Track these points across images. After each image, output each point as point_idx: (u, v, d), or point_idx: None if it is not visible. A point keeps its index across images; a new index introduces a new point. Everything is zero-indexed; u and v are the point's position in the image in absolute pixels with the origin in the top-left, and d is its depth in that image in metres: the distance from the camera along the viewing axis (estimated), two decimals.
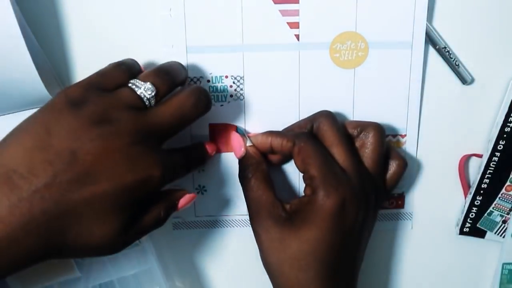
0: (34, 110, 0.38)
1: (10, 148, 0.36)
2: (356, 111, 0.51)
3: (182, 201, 0.43)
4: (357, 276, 0.48)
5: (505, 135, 0.50)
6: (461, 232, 0.55)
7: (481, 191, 0.53)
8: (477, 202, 0.53)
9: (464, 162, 0.53)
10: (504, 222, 0.54)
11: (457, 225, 0.55)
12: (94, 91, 0.39)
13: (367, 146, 0.47)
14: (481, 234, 0.55)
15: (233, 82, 0.49)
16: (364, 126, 0.48)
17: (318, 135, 0.47)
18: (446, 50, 0.49)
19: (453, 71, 0.50)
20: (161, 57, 0.48)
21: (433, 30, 0.49)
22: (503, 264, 0.55)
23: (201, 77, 0.49)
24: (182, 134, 0.50)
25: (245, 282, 0.56)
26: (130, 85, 0.40)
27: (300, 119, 0.50)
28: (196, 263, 0.55)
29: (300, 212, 0.44)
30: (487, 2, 0.49)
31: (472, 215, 0.54)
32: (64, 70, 0.48)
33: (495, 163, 0.51)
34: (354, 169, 0.45)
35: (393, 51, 0.49)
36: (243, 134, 0.48)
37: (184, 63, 0.48)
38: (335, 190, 0.43)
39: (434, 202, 0.55)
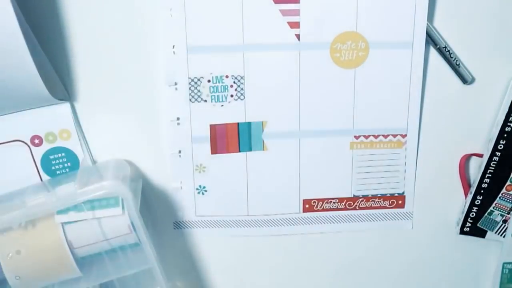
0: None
1: None
2: (357, 111, 0.51)
3: None
4: None
5: (505, 135, 0.50)
6: (462, 232, 0.55)
7: (482, 191, 0.53)
8: (478, 202, 0.53)
9: (465, 162, 0.53)
10: (505, 221, 0.54)
11: (458, 224, 0.55)
12: None
13: None
14: (481, 233, 0.55)
15: (234, 82, 0.49)
16: None
17: None
18: (446, 50, 0.49)
19: (454, 71, 0.50)
20: (162, 57, 0.48)
21: (434, 30, 0.49)
22: (504, 263, 0.55)
23: (201, 77, 0.49)
24: (182, 135, 0.50)
25: (245, 281, 0.56)
26: None
27: (301, 118, 0.50)
28: (196, 263, 0.55)
29: None
30: (488, 2, 0.49)
31: (472, 214, 0.54)
32: (64, 70, 0.48)
33: (495, 162, 0.51)
34: None
35: (393, 51, 0.49)
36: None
37: (184, 63, 0.48)
38: None
39: (434, 201, 0.55)
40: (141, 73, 0.48)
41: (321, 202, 0.54)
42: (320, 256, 0.56)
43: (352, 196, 0.54)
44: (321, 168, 0.53)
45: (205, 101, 0.49)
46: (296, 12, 0.48)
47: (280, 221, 0.54)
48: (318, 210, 0.54)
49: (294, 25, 0.48)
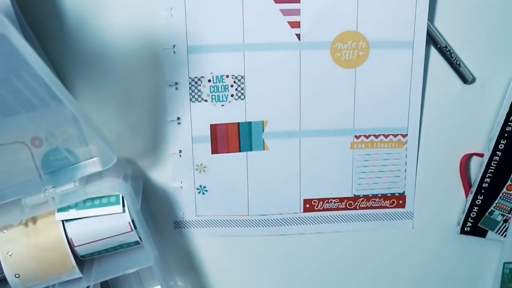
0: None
1: None
2: (357, 110, 0.51)
3: None
4: None
5: (506, 134, 0.50)
6: (462, 232, 0.55)
7: (482, 191, 0.53)
8: (478, 202, 0.53)
9: (465, 161, 0.53)
10: (505, 221, 0.54)
11: (458, 224, 0.55)
12: None
13: None
14: (482, 233, 0.55)
15: (234, 82, 0.49)
16: None
17: None
18: (447, 50, 0.49)
19: (454, 71, 0.50)
20: (162, 57, 0.48)
21: (434, 29, 0.49)
22: (504, 263, 0.55)
23: (202, 77, 0.49)
24: (183, 135, 0.50)
25: (245, 281, 0.56)
26: None
27: (301, 118, 0.50)
28: (196, 263, 0.55)
29: None
30: (488, 2, 0.49)
31: (473, 214, 0.54)
32: (64, 70, 0.48)
33: (496, 162, 0.51)
34: None
35: (394, 50, 0.49)
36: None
37: (185, 63, 0.48)
38: None
39: (435, 201, 0.55)
40: (141, 72, 0.48)
41: (321, 202, 0.54)
42: (321, 255, 0.56)
43: (353, 196, 0.54)
44: (321, 167, 0.53)
45: (206, 100, 0.50)
46: (297, 12, 0.48)
47: (281, 221, 0.54)
48: (318, 210, 0.54)
49: (295, 24, 0.48)
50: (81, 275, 0.46)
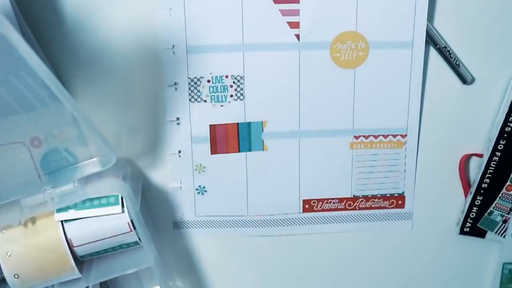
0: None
1: None
2: (356, 111, 0.51)
3: None
4: None
5: (505, 135, 0.50)
6: (462, 232, 0.55)
7: (482, 191, 0.53)
8: (478, 202, 0.53)
9: (465, 162, 0.53)
10: (505, 221, 0.54)
11: (458, 224, 0.55)
12: None
13: None
14: (481, 233, 0.55)
15: (233, 82, 0.49)
16: None
17: None
18: (446, 50, 0.49)
19: (454, 71, 0.50)
20: (162, 57, 0.48)
21: (434, 30, 0.49)
22: (504, 263, 0.55)
23: (201, 77, 0.49)
24: (182, 136, 0.50)
25: (245, 281, 0.56)
26: None
27: (300, 118, 0.50)
28: (196, 263, 0.55)
29: None
30: (488, 2, 0.49)
31: (472, 214, 0.54)
32: (64, 70, 0.48)
33: (495, 162, 0.51)
34: None
35: (393, 51, 0.49)
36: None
37: (184, 63, 0.48)
38: None
39: (434, 202, 0.55)
40: (140, 73, 0.48)
41: (321, 202, 0.54)
42: (320, 256, 0.56)
43: (352, 196, 0.54)
44: (321, 168, 0.53)
45: (205, 101, 0.50)
46: (296, 12, 0.48)
47: (280, 221, 0.54)
48: (318, 210, 0.54)
49: (294, 25, 0.48)
50: (80, 276, 0.46)
